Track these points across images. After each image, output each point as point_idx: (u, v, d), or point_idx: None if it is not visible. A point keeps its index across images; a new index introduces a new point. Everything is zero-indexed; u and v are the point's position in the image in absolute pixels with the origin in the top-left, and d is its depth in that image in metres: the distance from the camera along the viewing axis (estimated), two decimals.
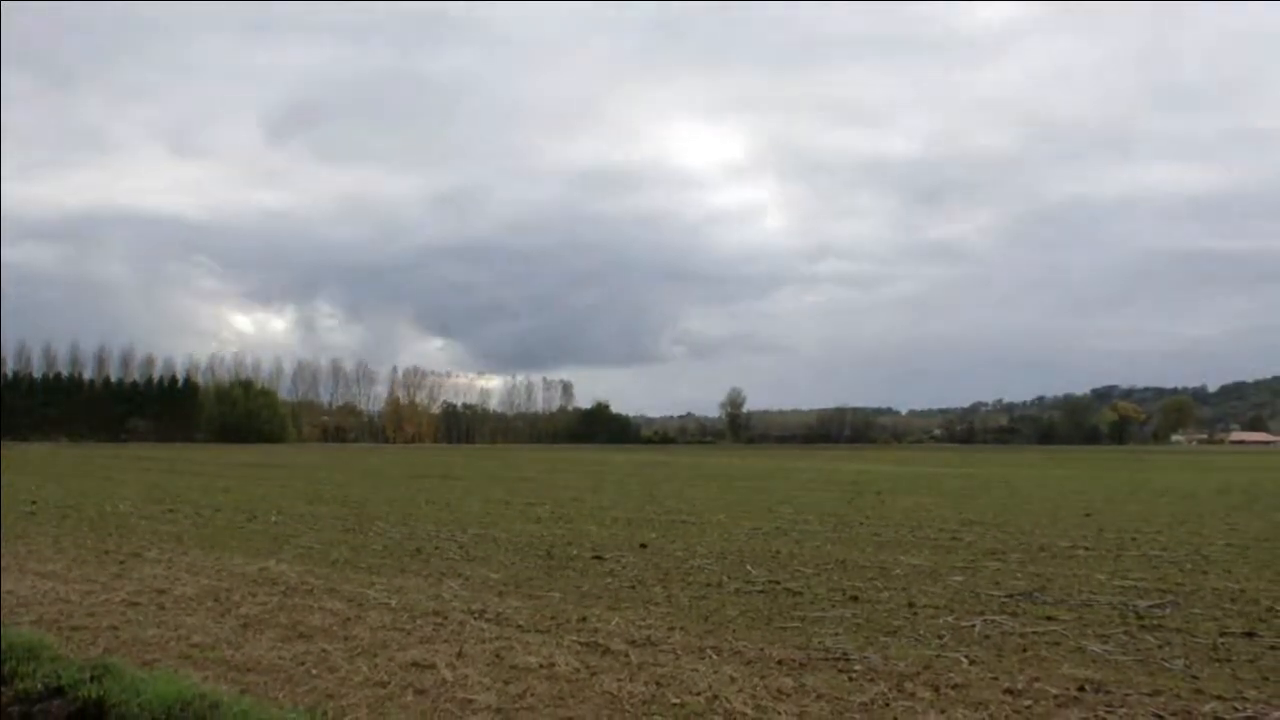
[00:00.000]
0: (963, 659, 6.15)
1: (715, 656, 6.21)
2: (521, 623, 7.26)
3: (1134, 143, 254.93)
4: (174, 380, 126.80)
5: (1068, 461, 59.34)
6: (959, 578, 9.61)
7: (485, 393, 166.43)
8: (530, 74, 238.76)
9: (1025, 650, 6.44)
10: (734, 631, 7.02)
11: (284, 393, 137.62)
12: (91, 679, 5.19)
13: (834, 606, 8.03)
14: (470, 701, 5.16)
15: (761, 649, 6.40)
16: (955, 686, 5.48)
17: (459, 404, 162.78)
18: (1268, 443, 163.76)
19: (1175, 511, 18.30)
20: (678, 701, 5.18)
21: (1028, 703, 5.17)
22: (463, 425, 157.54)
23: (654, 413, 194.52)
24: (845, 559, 10.99)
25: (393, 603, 8.06)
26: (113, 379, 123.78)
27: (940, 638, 6.81)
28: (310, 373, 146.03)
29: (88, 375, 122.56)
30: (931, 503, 20.60)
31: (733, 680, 5.59)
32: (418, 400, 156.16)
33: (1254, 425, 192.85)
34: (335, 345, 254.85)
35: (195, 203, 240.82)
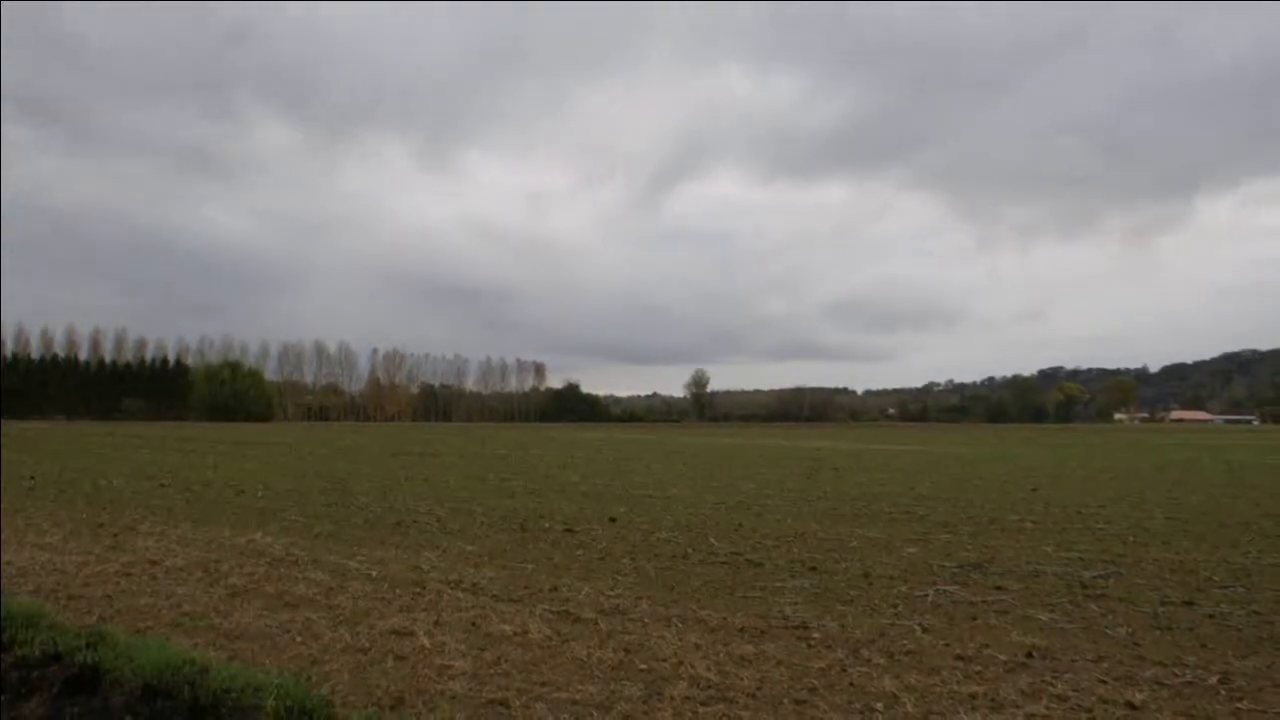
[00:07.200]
0: (916, 627, 6.38)
1: (680, 624, 6.43)
2: (496, 592, 7.47)
3: None
4: (165, 361, 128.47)
5: (1015, 439, 60.29)
6: (912, 549, 9.92)
7: (461, 373, 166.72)
8: None
9: (975, 618, 6.69)
10: (698, 601, 7.24)
11: (270, 373, 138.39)
12: (87, 646, 5.33)
13: (793, 577, 8.27)
14: (447, 667, 5.33)
15: (724, 617, 6.62)
16: (908, 653, 5.70)
17: (436, 384, 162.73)
18: (1206, 421, 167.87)
19: (1118, 487, 18.81)
20: (645, 667, 5.38)
21: (978, 668, 5.38)
22: (440, 404, 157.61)
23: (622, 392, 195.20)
24: (804, 532, 11.27)
25: (374, 573, 8.24)
26: (107, 360, 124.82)
27: (894, 607, 7.07)
28: (295, 354, 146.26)
29: (83, 357, 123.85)
30: (886, 478, 21.02)
31: (697, 647, 5.80)
32: (397, 381, 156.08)
33: (1193, 404, 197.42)
34: None
35: None
